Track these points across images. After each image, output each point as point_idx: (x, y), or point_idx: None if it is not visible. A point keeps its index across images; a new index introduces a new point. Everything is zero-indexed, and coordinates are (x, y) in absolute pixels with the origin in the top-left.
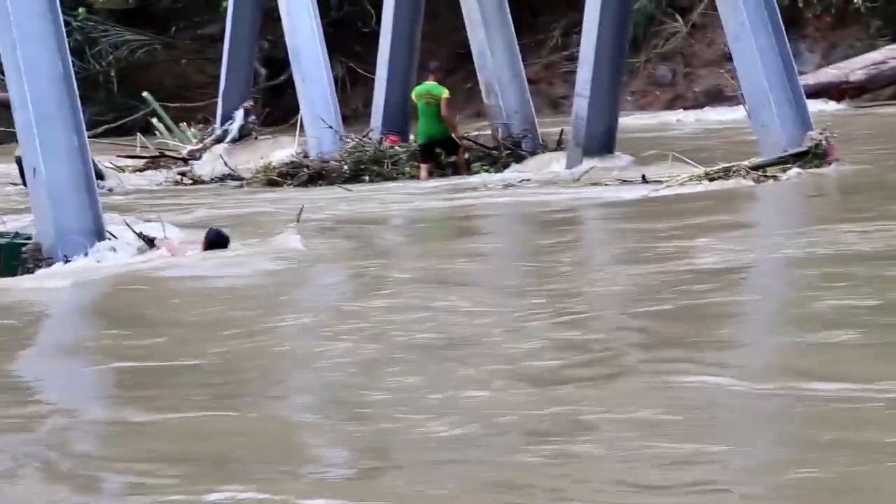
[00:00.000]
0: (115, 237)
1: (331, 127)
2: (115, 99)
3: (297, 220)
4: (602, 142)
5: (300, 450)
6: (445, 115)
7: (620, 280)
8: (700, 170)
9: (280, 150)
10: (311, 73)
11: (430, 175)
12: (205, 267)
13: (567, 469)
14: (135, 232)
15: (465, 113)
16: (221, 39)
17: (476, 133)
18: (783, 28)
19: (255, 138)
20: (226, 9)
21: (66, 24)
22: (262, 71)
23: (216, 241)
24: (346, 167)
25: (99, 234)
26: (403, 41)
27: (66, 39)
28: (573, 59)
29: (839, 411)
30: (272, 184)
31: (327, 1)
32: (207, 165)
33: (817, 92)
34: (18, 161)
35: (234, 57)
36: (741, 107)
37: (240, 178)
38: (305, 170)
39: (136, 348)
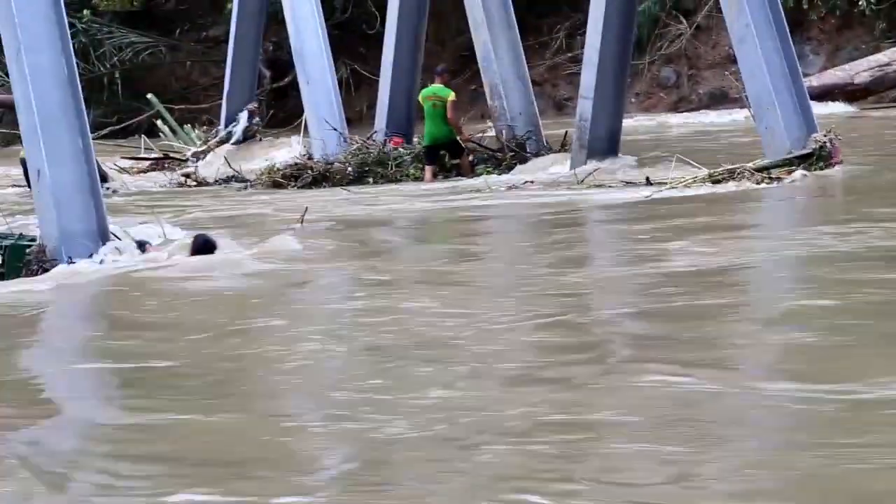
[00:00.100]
0: (119, 239)
1: (335, 129)
2: (119, 101)
3: (301, 222)
4: (606, 143)
5: (264, 451)
6: (451, 118)
7: (600, 281)
8: (704, 172)
9: (284, 152)
10: (315, 75)
11: (435, 177)
12: (189, 269)
13: (527, 469)
14: (118, 237)
15: (470, 115)
16: (226, 41)
17: (480, 135)
18: (788, 30)
19: (260, 140)
20: (230, 11)
21: (71, 26)
22: (267, 73)
23: (203, 247)
24: (350, 169)
25: (103, 236)
26: (408, 43)
27: (70, 41)
28: (577, 60)
29: (799, 412)
30: (276, 185)
31: (332, 3)
32: (211, 167)
33: (822, 94)
34: (23, 163)
35: (238, 59)
36: (737, 109)
37: (244, 180)
38: (309, 172)
39: (106, 349)
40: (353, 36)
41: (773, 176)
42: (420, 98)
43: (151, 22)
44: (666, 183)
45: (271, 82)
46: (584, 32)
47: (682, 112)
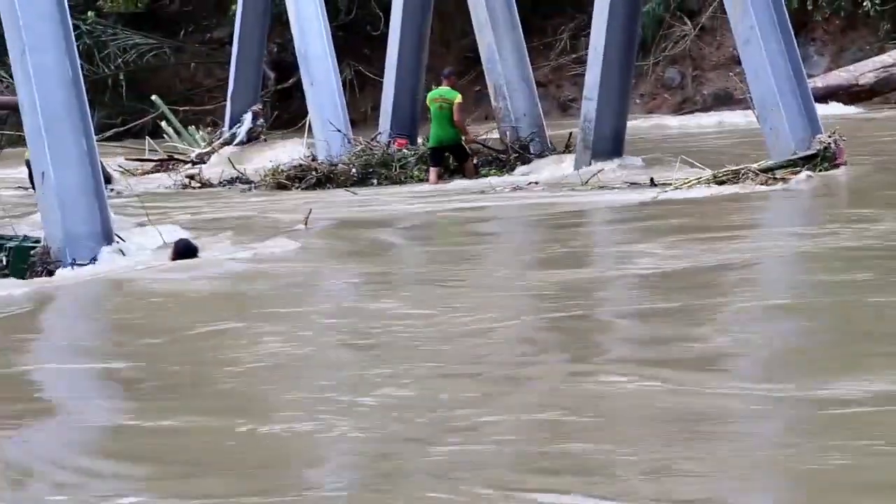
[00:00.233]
0: (123, 241)
1: (339, 130)
2: (123, 102)
3: (305, 224)
4: (610, 144)
5: (216, 453)
6: (458, 120)
7: (593, 282)
8: (708, 173)
9: (288, 154)
10: (319, 76)
11: (440, 178)
12: (165, 271)
13: (467, 470)
14: (122, 239)
15: (474, 116)
16: (230, 43)
17: (484, 136)
18: (792, 31)
19: (265, 141)
20: (235, 12)
21: (75, 27)
22: (271, 74)
23: (184, 251)
24: (354, 170)
25: (107, 237)
26: (412, 44)
27: (74, 43)
28: (582, 61)
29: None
30: (280, 187)
31: (336, 4)
32: (216, 168)
33: (826, 95)
34: (29, 164)
35: (242, 60)
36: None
37: (248, 182)
38: (314, 173)
39: (63, 350)
40: (357, 37)
41: (777, 177)
42: (427, 100)
43: (156, 23)
44: (670, 184)
45: (275, 84)
46: (589, 33)
47: (684, 114)
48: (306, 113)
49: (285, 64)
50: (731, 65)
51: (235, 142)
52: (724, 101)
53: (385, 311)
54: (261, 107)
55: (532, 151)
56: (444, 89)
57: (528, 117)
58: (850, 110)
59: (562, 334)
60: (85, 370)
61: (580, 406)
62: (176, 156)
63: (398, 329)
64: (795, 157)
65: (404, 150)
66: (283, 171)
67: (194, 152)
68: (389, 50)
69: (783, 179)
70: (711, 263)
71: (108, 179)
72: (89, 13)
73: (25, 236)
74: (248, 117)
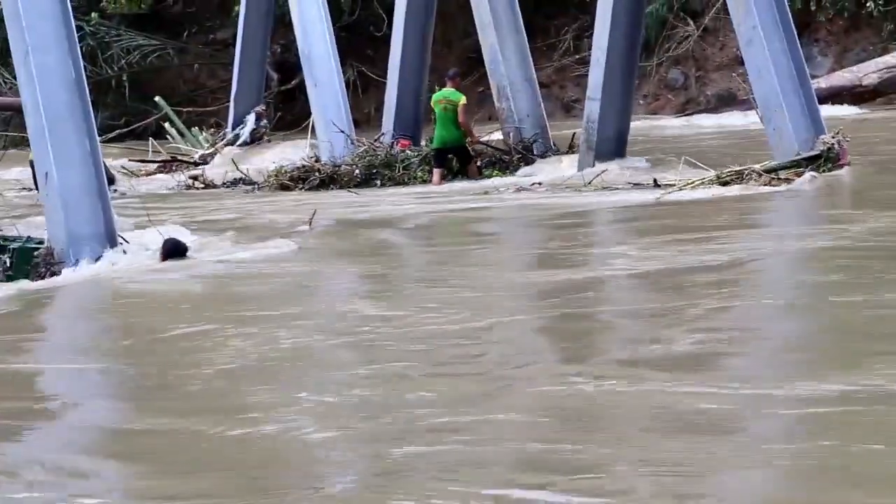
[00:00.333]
0: (127, 242)
1: (342, 131)
2: (127, 103)
3: (310, 225)
4: (614, 145)
5: (181, 452)
6: (463, 122)
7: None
8: (711, 174)
9: (292, 154)
10: (322, 77)
11: (443, 179)
12: (152, 272)
13: (465, 470)
14: (125, 240)
15: (477, 117)
16: (234, 44)
17: (487, 137)
18: (795, 32)
19: (268, 142)
20: (238, 14)
21: (79, 28)
22: (274, 75)
23: (173, 251)
24: (357, 171)
25: (111, 238)
26: (415, 45)
27: (77, 43)
28: (585, 62)
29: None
30: (284, 188)
31: (339, 5)
32: (219, 169)
33: (830, 96)
34: (32, 165)
35: (246, 61)
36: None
37: (252, 182)
38: (317, 174)
39: (29, 351)
40: (360, 38)
41: (781, 177)
42: (431, 102)
43: (159, 24)
44: (674, 185)
45: (279, 85)
46: (592, 34)
47: (685, 115)
48: (309, 114)
49: (289, 65)
50: (734, 65)
51: (238, 143)
52: (728, 101)
53: (381, 312)
54: (264, 108)
55: (535, 152)
56: (448, 91)
57: (531, 118)
58: (854, 111)
59: (561, 334)
60: (64, 370)
61: (579, 406)
62: (179, 157)
63: (394, 329)
64: (799, 157)
65: (407, 151)
66: (286, 172)
67: (197, 153)
68: (392, 51)
69: (787, 180)
70: (714, 263)
71: (111, 180)
72: (93, 14)
73: (29, 237)
74: (251, 118)
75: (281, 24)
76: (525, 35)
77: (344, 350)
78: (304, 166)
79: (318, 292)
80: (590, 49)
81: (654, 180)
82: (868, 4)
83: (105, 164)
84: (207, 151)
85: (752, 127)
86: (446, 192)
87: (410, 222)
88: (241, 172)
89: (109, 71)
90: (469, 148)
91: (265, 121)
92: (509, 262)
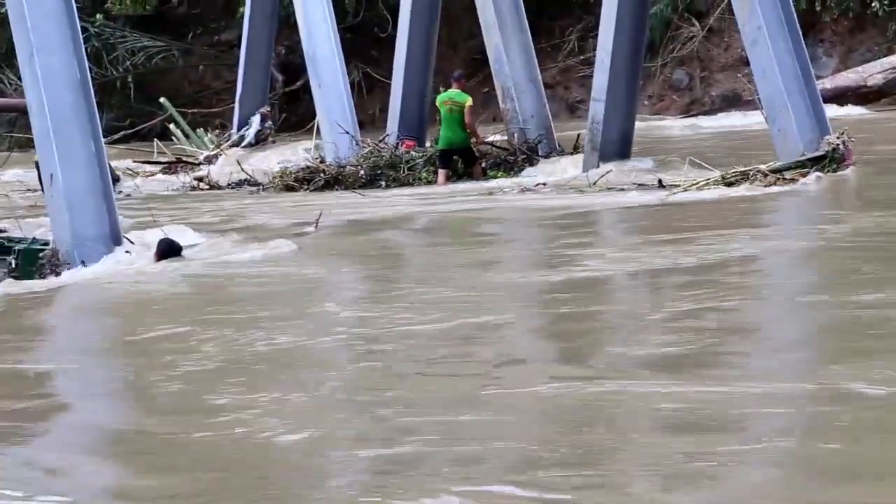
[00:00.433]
0: (132, 243)
1: (347, 132)
2: (132, 105)
3: (316, 226)
4: (618, 146)
5: (176, 455)
6: (469, 123)
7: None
8: (716, 174)
9: (296, 155)
10: (327, 78)
11: (448, 180)
12: (147, 273)
13: (462, 470)
14: (130, 241)
15: (482, 117)
16: (238, 45)
17: (492, 138)
18: (800, 32)
19: (273, 143)
20: (243, 15)
21: (84, 30)
22: (279, 77)
23: (168, 251)
24: (362, 172)
25: (116, 239)
26: (419, 46)
27: (83, 45)
28: (590, 63)
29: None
30: (289, 189)
31: (344, 6)
32: (224, 170)
33: (835, 96)
34: (38, 166)
35: (250, 62)
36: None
37: (256, 184)
38: (322, 175)
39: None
40: (365, 39)
41: (786, 178)
42: (437, 103)
43: (164, 26)
44: (679, 185)
45: (284, 86)
46: (597, 35)
47: (689, 116)
48: (314, 115)
49: (293, 66)
50: (739, 66)
51: (243, 144)
52: (733, 102)
53: (381, 312)
54: (269, 109)
55: (540, 153)
56: (454, 92)
57: (535, 119)
58: (859, 111)
59: (561, 334)
60: (57, 370)
61: (577, 406)
62: (184, 158)
63: (394, 329)
64: (804, 157)
65: (412, 152)
66: (291, 172)
67: (202, 154)
68: (397, 52)
69: (792, 180)
70: (715, 263)
71: (116, 181)
72: (98, 15)
73: (34, 238)
74: (256, 119)
75: (286, 25)
76: (530, 36)
77: (343, 350)
78: (308, 167)
79: (315, 293)
80: (594, 49)
81: (659, 181)
82: (873, 5)
83: (110, 165)
84: (212, 153)
85: (754, 127)
86: (451, 192)
87: (414, 223)
88: (246, 173)
89: (114, 72)
90: (474, 149)
91: (270, 122)
92: (511, 263)
